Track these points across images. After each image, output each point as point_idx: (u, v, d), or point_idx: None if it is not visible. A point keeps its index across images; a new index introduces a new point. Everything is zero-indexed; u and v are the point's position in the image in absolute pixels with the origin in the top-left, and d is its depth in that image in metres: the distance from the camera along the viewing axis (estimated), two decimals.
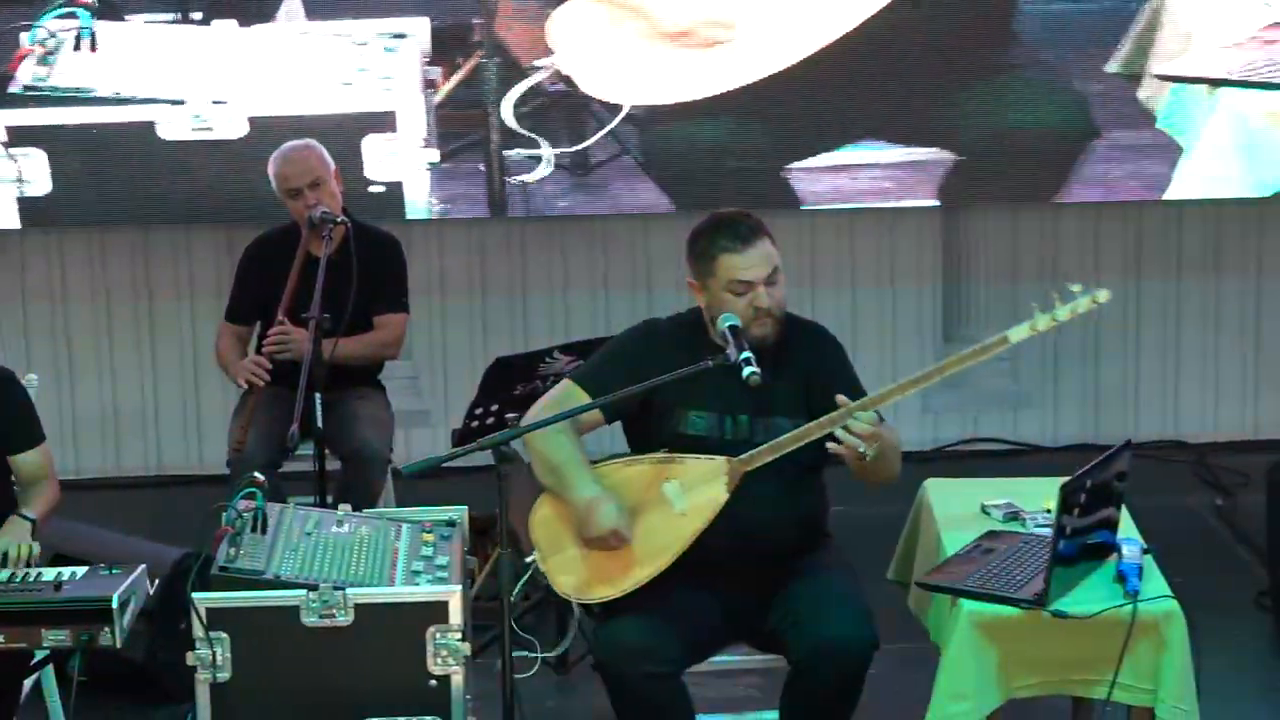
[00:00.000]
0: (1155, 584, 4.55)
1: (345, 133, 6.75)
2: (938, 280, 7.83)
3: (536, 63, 6.78)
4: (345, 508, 5.03)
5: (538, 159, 6.99)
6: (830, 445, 4.64)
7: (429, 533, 4.86)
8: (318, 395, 5.78)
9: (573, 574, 4.79)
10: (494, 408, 5.93)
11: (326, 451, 5.96)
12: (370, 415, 6.25)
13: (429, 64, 6.79)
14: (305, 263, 6.08)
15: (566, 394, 4.84)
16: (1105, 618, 4.42)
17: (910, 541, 5.16)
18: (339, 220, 6.04)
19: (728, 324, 4.72)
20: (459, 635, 4.52)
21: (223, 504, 4.71)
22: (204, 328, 7.33)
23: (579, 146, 7.02)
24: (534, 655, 5.26)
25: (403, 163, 6.86)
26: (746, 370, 4.58)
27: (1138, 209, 7.67)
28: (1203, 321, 7.90)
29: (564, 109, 7.03)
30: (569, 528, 4.80)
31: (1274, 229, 6.94)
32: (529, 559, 4.92)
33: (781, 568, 4.82)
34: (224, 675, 4.50)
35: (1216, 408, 7.93)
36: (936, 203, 7.32)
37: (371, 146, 6.78)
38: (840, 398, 4.67)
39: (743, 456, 4.72)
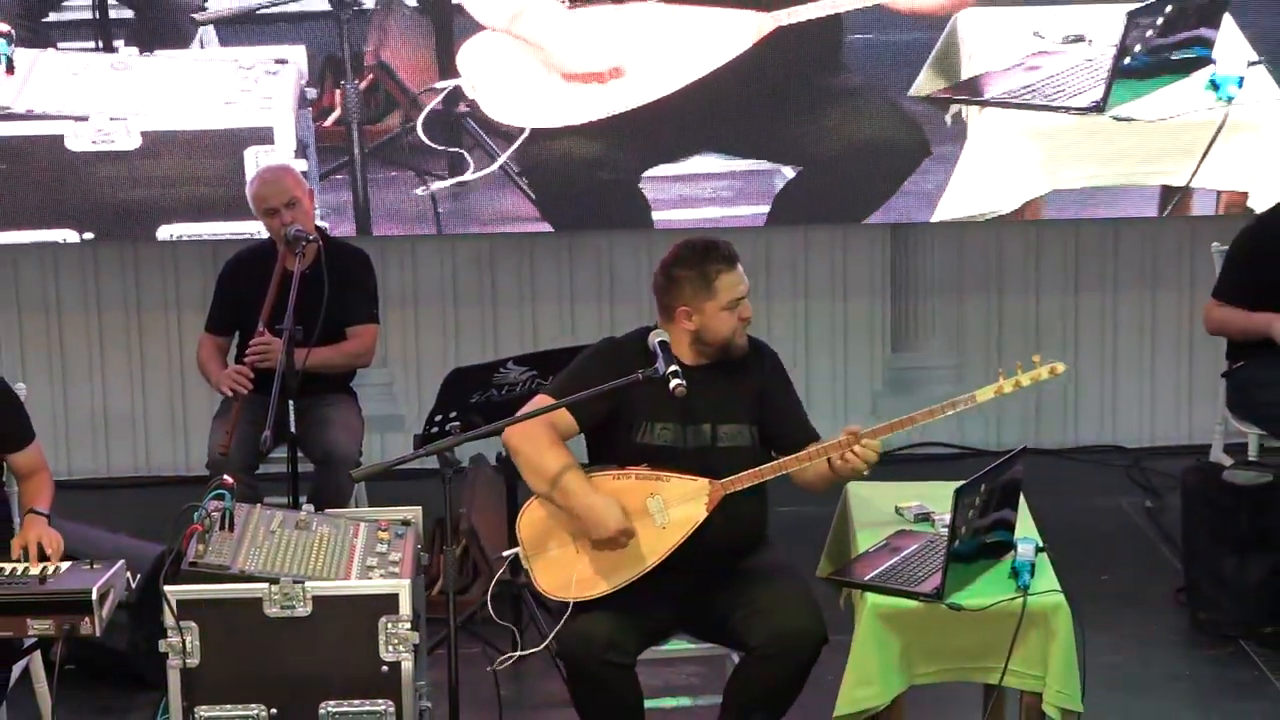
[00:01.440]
0: (1045, 580, 4.88)
1: (229, 145, 7.31)
2: (886, 294, 8.11)
3: (437, 84, 7.32)
4: (308, 508, 5.37)
5: (445, 174, 7.50)
6: (838, 464, 5.03)
7: (384, 531, 5.17)
8: (291, 402, 6.05)
9: (555, 574, 5.07)
10: (452, 415, 6.16)
11: (300, 454, 6.24)
12: (341, 420, 6.50)
13: (306, 85, 7.32)
14: (282, 277, 6.33)
15: (540, 404, 5.13)
16: (997, 610, 4.77)
17: (835, 540, 5.51)
18: (311, 239, 6.32)
19: (658, 340, 5.08)
20: (409, 625, 4.84)
21: (194, 504, 5.01)
22: (190, 337, 7.52)
23: (476, 174, 7.50)
24: (513, 651, 5.48)
25: None
26: (674, 382, 4.92)
27: (1074, 226, 7.98)
28: (1139, 333, 8.16)
29: (457, 129, 7.48)
30: (556, 531, 5.09)
31: (1205, 247, 7.28)
32: (506, 553, 5.24)
33: (727, 566, 5.16)
34: (193, 661, 4.81)
35: (1153, 415, 8.21)
36: (766, 208, 7.64)
37: (252, 157, 7.31)
38: (853, 428, 5.10)
39: (724, 480, 5.05)
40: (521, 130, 7.43)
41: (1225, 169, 7.43)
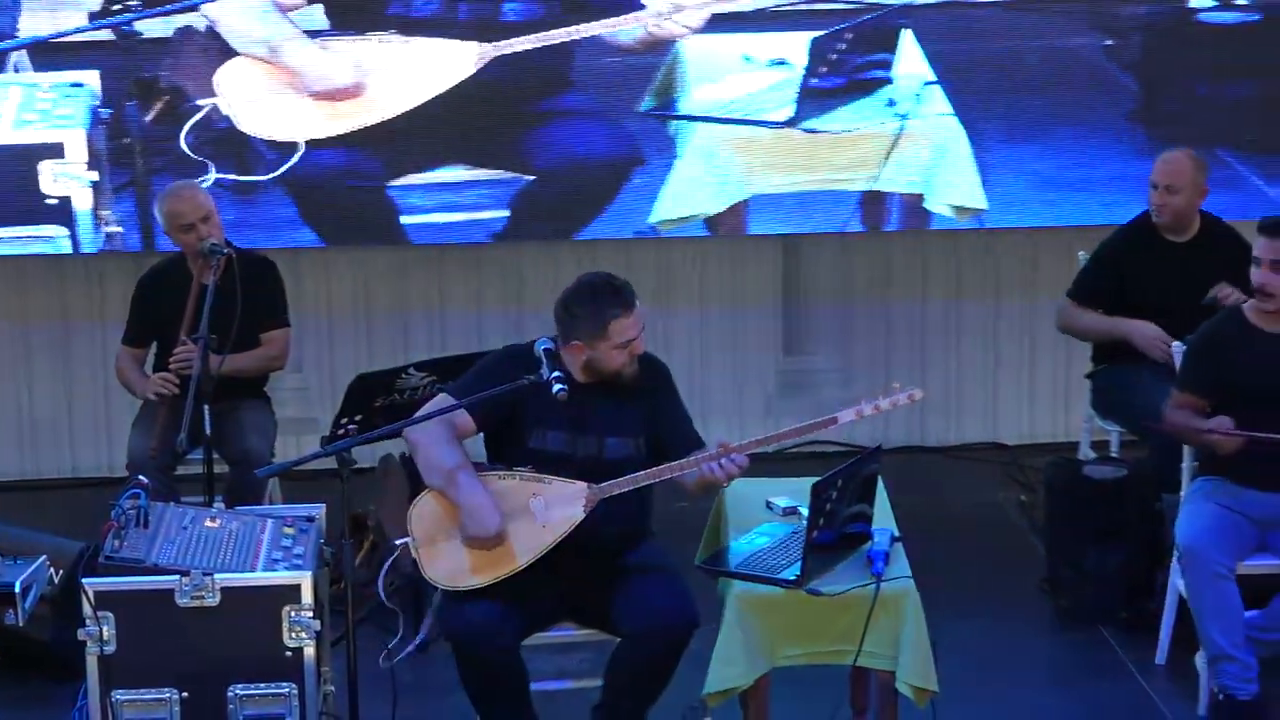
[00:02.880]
0: (899, 567, 5.25)
1: (25, 158, 7.88)
2: (779, 300, 8.47)
3: (199, 102, 7.87)
4: (219, 505, 5.69)
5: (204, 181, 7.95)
6: (704, 474, 5.31)
7: (290, 527, 5.47)
8: (206, 406, 6.34)
9: (443, 564, 5.38)
10: (357, 418, 6.49)
11: (216, 455, 6.53)
12: (255, 423, 6.82)
13: (100, 106, 7.88)
14: (200, 289, 6.63)
15: (439, 403, 5.47)
16: (852, 595, 5.12)
17: (711, 532, 5.86)
18: (225, 251, 6.62)
19: (543, 347, 5.41)
20: (310, 613, 5.16)
21: (111, 503, 5.32)
22: (114, 345, 7.59)
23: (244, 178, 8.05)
24: (407, 642, 5.81)
25: (69, 182, 7.91)
26: (556, 388, 5.27)
27: (954, 236, 8.37)
28: (1019, 336, 8.55)
29: (229, 141, 7.97)
30: (445, 523, 5.39)
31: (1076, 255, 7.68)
32: (398, 541, 5.50)
33: (612, 560, 5.49)
34: (110, 649, 5.09)
35: (1032, 413, 8.60)
36: (507, 213, 8.12)
37: (45, 169, 7.85)
38: (722, 443, 5.35)
39: (602, 485, 5.36)
40: (284, 143, 7.99)
41: (905, 175, 8.12)
